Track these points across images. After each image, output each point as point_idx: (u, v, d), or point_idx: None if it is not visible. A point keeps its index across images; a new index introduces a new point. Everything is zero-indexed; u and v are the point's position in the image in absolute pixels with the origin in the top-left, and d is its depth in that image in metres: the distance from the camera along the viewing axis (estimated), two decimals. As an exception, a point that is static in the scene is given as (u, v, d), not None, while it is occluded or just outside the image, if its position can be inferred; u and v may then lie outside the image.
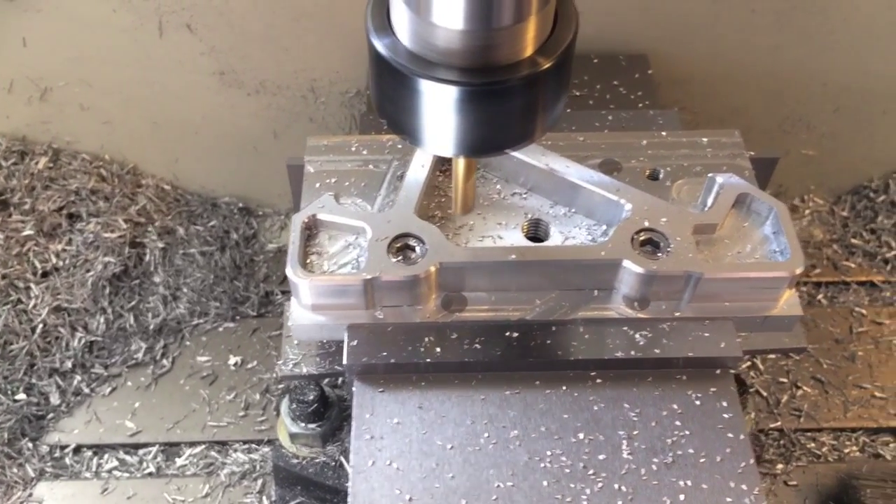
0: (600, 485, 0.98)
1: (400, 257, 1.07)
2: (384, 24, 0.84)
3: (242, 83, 1.59)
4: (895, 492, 1.35)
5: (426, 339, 1.07)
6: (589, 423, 1.04)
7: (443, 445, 1.02)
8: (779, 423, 1.54)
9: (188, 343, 1.65)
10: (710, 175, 1.16)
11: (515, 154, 1.19)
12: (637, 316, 1.09)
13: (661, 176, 1.23)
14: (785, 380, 1.59)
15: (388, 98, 0.88)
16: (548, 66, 0.82)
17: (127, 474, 1.49)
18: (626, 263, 1.06)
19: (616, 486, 0.98)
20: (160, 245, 1.70)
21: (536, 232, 1.18)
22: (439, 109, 0.84)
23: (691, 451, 1.01)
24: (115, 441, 1.53)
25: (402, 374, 1.07)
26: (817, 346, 1.64)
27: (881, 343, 1.65)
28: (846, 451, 1.53)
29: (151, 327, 1.64)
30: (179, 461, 1.51)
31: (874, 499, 1.34)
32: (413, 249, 1.08)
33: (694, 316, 1.09)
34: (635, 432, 1.03)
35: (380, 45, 0.83)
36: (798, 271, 1.06)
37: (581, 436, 1.02)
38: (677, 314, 1.09)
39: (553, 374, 1.07)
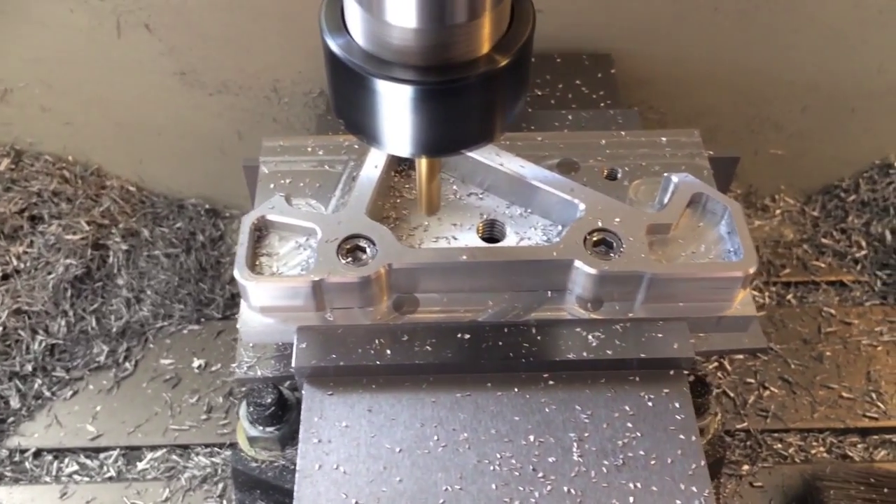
0: (549, 487, 0.97)
1: (350, 259, 1.06)
2: (338, 24, 0.83)
3: (204, 83, 1.58)
4: (859, 493, 1.34)
5: (376, 342, 1.06)
6: (540, 425, 1.03)
7: (391, 449, 1.00)
8: (745, 424, 1.53)
9: (152, 346, 1.63)
10: (665, 174, 1.15)
11: (471, 154, 1.18)
12: (590, 317, 1.08)
13: (619, 176, 1.22)
14: (752, 380, 1.58)
15: (344, 99, 0.86)
16: (505, 62, 0.80)
17: (87, 478, 1.48)
18: (578, 264, 1.05)
19: (565, 488, 0.97)
20: (124, 247, 1.68)
21: (492, 232, 1.17)
22: (396, 109, 0.82)
23: (642, 452, 1.00)
24: (75, 445, 1.51)
25: (352, 376, 1.06)
26: (785, 347, 1.64)
27: (849, 343, 1.64)
28: (813, 451, 1.52)
29: (114, 330, 1.62)
30: (140, 465, 1.49)
31: (837, 500, 1.33)
32: (364, 251, 1.07)
33: (647, 317, 1.08)
34: (586, 434, 1.02)
35: (334, 46, 0.81)
36: (751, 271, 1.06)
37: (531, 438, 1.01)
38: (630, 315, 1.08)
39: (505, 376, 1.06)
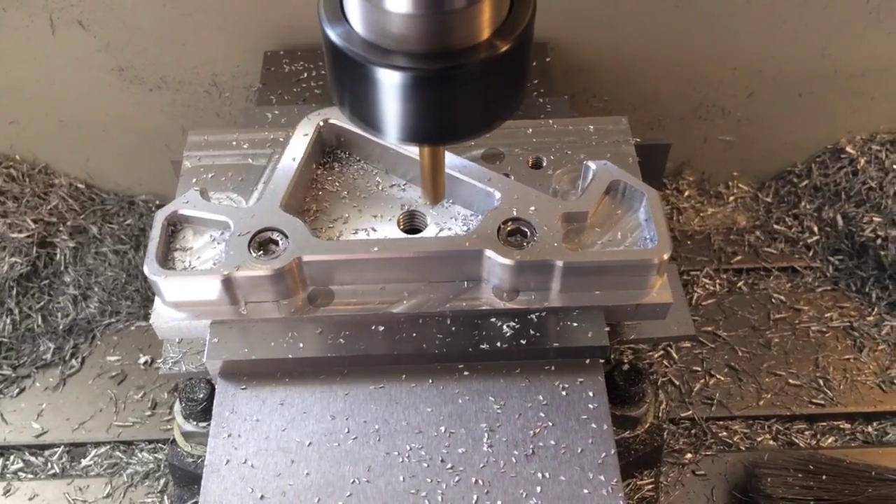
0: (457, 479, 0.97)
1: (261, 252, 1.05)
2: (337, 13, 0.81)
3: (143, 79, 1.57)
4: (797, 480, 1.33)
5: (289, 335, 1.05)
6: (452, 416, 1.02)
7: (301, 442, 1.00)
8: (690, 412, 1.52)
9: (99, 343, 1.63)
10: (585, 162, 1.14)
11: (392, 145, 1.18)
12: (505, 307, 1.07)
13: (544, 164, 1.22)
14: (699, 368, 1.58)
15: (344, 88, 0.85)
16: (505, 48, 0.78)
17: (32, 475, 1.48)
18: (489, 254, 1.05)
19: (473, 479, 0.97)
20: (71, 244, 1.68)
21: (412, 224, 1.17)
22: (395, 97, 0.80)
23: (552, 442, 0.99)
24: (20, 442, 1.51)
25: (265, 370, 1.06)
26: (734, 334, 1.63)
27: (798, 330, 1.63)
28: (759, 439, 1.51)
29: (61, 327, 1.62)
30: (84, 462, 1.49)
31: (775, 487, 1.33)
32: (276, 244, 1.07)
33: (563, 305, 1.07)
34: (498, 425, 1.01)
35: (333, 35, 0.80)
36: (665, 257, 1.05)
37: (443, 429, 1.01)
38: (546, 304, 1.07)
39: (420, 368, 1.06)
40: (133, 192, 1.82)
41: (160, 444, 1.50)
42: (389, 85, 0.79)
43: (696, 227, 1.81)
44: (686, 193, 1.85)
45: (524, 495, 0.96)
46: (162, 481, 1.45)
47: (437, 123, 0.84)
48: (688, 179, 1.86)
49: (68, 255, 1.68)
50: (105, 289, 1.67)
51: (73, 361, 1.60)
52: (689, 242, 1.78)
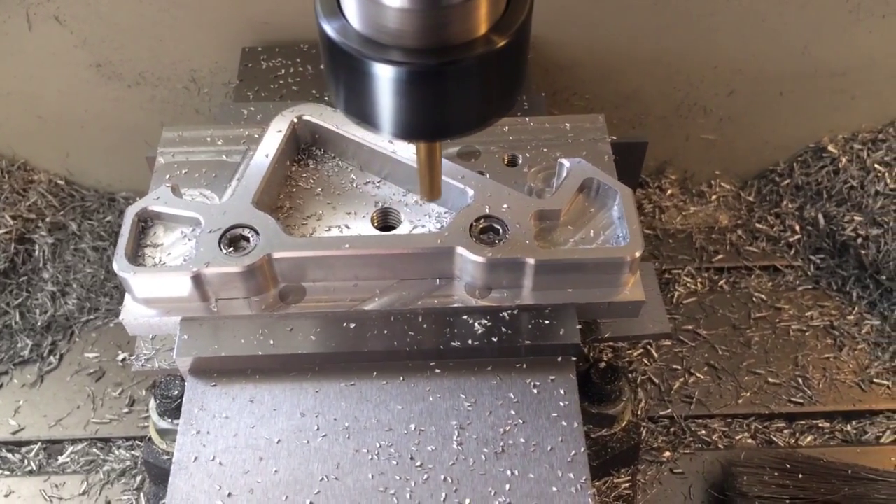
0: (426, 476, 0.97)
1: (231, 249, 1.05)
2: (334, 7, 0.79)
3: (121, 75, 1.56)
4: (773, 478, 1.33)
5: (260, 332, 1.05)
6: (422, 414, 1.02)
7: (270, 439, 1.00)
8: (669, 411, 1.52)
9: (77, 340, 1.63)
10: (559, 160, 1.14)
11: (366, 142, 1.17)
12: (477, 304, 1.07)
13: (520, 162, 1.21)
14: (678, 367, 1.58)
15: (340, 84, 0.83)
16: (503, 43, 0.77)
17: (8, 472, 1.47)
18: (460, 251, 1.04)
19: (442, 477, 0.97)
20: (50, 241, 1.68)
21: (386, 221, 1.16)
22: (391, 93, 0.79)
23: (522, 440, 0.99)
24: (-3, 439, 1.51)
25: (236, 367, 1.05)
26: (714, 333, 1.63)
27: (778, 328, 1.63)
28: (738, 437, 1.51)
29: (39, 324, 1.61)
30: (61, 459, 1.48)
31: (751, 485, 1.33)
32: (248, 240, 1.06)
33: (536, 303, 1.07)
34: (468, 422, 1.01)
35: (330, 29, 0.78)
36: (637, 255, 1.05)
37: (412, 427, 1.01)
38: (518, 302, 1.07)
39: (391, 365, 1.06)
40: (113, 189, 1.81)
41: (137, 442, 1.50)
42: (385, 80, 0.78)
43: (679, 225, 1.81)
44: (668, 192, 1.85)
45: (493, 493, 0.95)
46: (138, 479, 1.44)
47: (433, 119, 0.83)
48: (670, 178, 1.86)
49: (47, 251, 1.67)
50: (84, 285, 1.66)
51: (51, 358, 1.60)
52: (670, 241, 1.78)
